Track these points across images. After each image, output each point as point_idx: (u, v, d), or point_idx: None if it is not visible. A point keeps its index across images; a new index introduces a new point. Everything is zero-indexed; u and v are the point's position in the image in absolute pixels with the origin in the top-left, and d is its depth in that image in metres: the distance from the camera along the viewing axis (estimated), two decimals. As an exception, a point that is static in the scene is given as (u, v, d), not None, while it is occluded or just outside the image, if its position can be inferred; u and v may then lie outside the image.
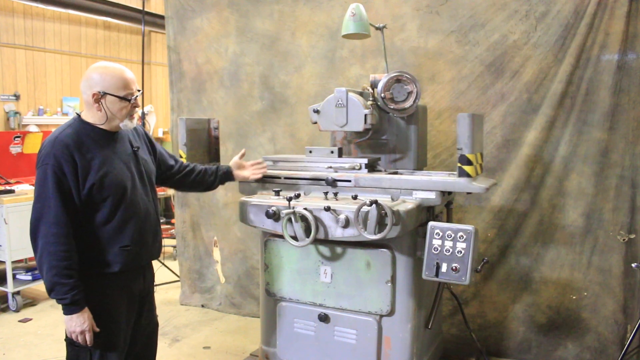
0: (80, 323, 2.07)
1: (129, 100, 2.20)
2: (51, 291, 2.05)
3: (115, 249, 2.18)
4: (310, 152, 2.93)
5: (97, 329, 2.13)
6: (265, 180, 2.80)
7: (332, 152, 2.89)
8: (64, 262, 2.03)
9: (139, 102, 2.31)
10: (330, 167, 2.75)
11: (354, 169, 2.71)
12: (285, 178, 2.76)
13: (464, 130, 2.40)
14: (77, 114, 2.24)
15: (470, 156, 2.41)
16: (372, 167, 2.78)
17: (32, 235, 2.07)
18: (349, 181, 2.61)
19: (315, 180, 2.69)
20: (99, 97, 2.15)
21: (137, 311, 2.35)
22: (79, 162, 2.08)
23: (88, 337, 2.10)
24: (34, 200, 2.08)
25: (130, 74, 2.23)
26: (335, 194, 2.60)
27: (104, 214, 2.15)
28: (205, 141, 3.16)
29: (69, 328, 2.09)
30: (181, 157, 2.98)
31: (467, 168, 2.42)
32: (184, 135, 2.96)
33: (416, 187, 2.50)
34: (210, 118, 3.23)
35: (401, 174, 2.75)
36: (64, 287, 2.03)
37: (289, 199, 2.45)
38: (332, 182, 2.63)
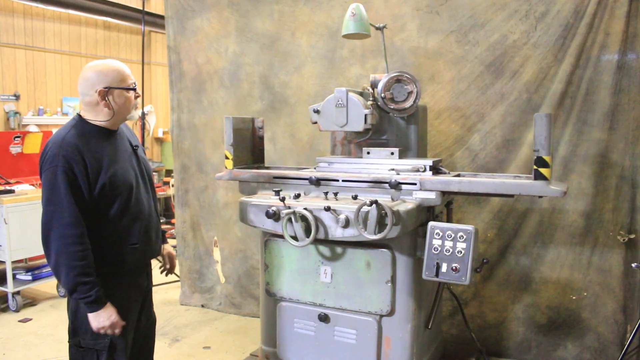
0: (108, 316, 2.09)
1: (134, 90, 2.25)
2: (74, 291, 2.05)
3: (124, 248, 2.20)
4: (369, 153, 2.85)
5: (123, 322, 2.16)
6: (320, 183, 2.67)
7: (392, 153, 2.79)
8: (84, 262, 2.03)
9: (139, 91, 2.34)
10: (393, 170, 2.64)
11: (417, 170, 2.62)
12: (344, 180, 2.62)
13: (542, 131, 2.27)
14: (78, 114, 2.24)
15: (547, 158, 2.30)
16: (436, 169, 2.69)
17: (44, 239, 2.06)
18: (414, 184, 2.47)
19: (377, 183, 2.54)
20: (105, 94, 2.16)
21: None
22: (88, 162, 2.08)
23: (118, 329, 2.13)
24: (45, 203, 2.06)
25: (125, 66, 2.27)
26: (335, 194, 2.59)
27: (114, 213, 2.16)
28: (250, 141, 3.09)
29: (98, 325, 2.09)
30: (227, 157, 2.93)
31: (543, 170, 2.31)
32: (231, 135, 2.89)
33: (488, 191, 2.40)
34: (254, 117, 3.17)
35: (463, 176, 2.65)
36: (86, 286, 2.04)
37: (283, 199, 2.45)
38: (396, 185, 2.48)
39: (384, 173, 2.62)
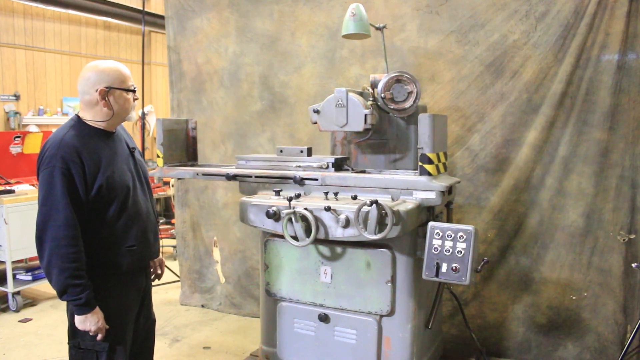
0: (95, 322, 2.09)
1: (134, 91, 2.26)
2: (64, 293, 2.04)
3: (121, 249, 2.19)
4: (281, 151, 2.99)
5: (107, 326, 2.15)
6: (237, 179, 2.88)
7: (301, 151, 2.94)
8: (75, 264, 2.02)
9: (138, 94, 2.35)
10: (299, 166, 2.81)
11: (321, 167, 2.77)
12: (256, 177, 2.84)
13: (425, 131, 2.50)
14: (77, 115, 2.24)
15: (431, 155, 2.50)
16: (339, 166, 2.84)
17: (38, 238, 2.05)
18: (316, 180, 2.67)
19: (284, 178, 2.75)
20: (105, 93, 2.16)
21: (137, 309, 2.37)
22: (86, 163, 2.08)
23: (101, 335, 2.12)
24: (40, 203, 2.05)
25: (126, 68, 2.27)
26: (336, 194, 2.60)
27: (111, 215, 2.16)
28: (183, 141, 3.29)
29: (83, 328, 2.08)
30: (158, 156, 3.11)
31: (428, 167, 2.50)
32: (161, 135, 3.09)
33: (379, 186, 2.56)
34: (188, 119, 3.36)
35: (369, 172, 2.82)
36: (77, 288, 2.03)
37: (289, 199, 2.47)
38: (300, 181, 2.70)
39: (292, 169, 2.80)
